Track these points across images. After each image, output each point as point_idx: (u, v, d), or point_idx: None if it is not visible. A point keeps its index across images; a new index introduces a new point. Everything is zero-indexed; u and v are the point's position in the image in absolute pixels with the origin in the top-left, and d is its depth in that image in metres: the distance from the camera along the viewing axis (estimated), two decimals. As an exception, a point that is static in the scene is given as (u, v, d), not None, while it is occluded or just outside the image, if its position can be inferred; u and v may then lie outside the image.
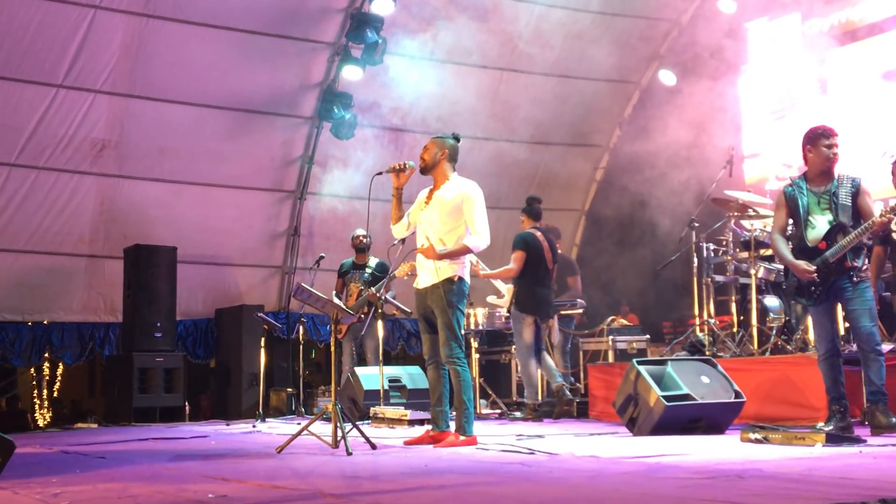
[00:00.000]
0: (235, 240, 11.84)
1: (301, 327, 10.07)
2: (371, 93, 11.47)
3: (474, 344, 9.64)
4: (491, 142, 12.70)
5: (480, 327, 9.50)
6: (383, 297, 8.42)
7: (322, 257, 9.86)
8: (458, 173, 6.13)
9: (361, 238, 9.44)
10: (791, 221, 5.99)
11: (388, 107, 11.61)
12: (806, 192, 5.86)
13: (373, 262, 9.41)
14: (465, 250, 5.95)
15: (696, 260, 8.56)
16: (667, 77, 12.06)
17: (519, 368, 8.61)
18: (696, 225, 8.68)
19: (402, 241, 6.46)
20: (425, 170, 6.08)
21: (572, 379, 9.67)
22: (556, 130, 12.90)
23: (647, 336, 9.76)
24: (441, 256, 5.88)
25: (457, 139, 6.18)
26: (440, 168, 6.05)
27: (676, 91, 11.58)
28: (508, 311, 8.69)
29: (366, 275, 9.30)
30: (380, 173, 6.08)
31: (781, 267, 8.19)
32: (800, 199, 5.84)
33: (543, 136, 12.89)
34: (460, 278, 5.95)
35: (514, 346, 10.28)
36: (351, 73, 11.15)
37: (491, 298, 9.43)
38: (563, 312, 9.52)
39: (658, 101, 11.93)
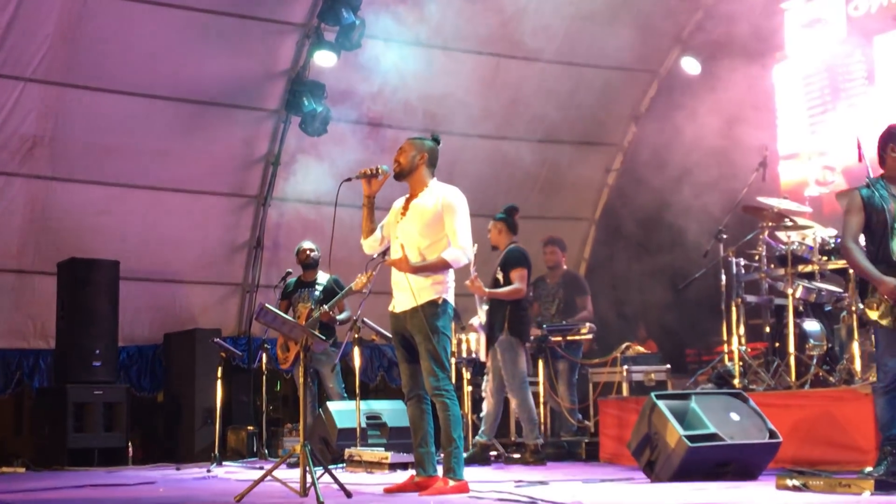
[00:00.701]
0: (188, 253, 11.81)
1: (264, 355, 10.04)
2: (347, 82, 11.48)
3: (466, 374, 9.62)
4: (486, 140, 12.70)
5: (474, 355, 9.49)
6: (359, 320, 8.40)
7: (289, 273, 9.86)
8: (438, 178, 6.17)
9: (308, 252, 9.56)
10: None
11: (367, 98, 11.61)
12: (888, 196, 5.86)
13: (322, 278, 9.46)
14: (443, 265, 5.95)
15: (724, 277, 8.58)
16: (690, 65, 12.11)
17: (515, 403, 8.62)
18: (725, 237, 8.70)
19: (384, 254, 6.46)
20: (401, 175, 6.12)
21: (580, 416, 9.66)
22: (561, 127, 12.91)
23: (668, 366, 9.77)
24: (416, 269, 5.88)
25: (437, 141, 6.22)
26: (418, 174, 6.10)
27: (701, 81, 11.61)
28: (488, 337, 8.67)
29: (315, 293, 9.33)
30: (348, 179, 6.12)
31: (823, 286, 8.26)
32: (885, 204, 5.81)
33: (547, 133, 12.91)
34: (445, 301, 5.95)
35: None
36: (323, 59, 11.15)
37: (474, 320, 9.43)
38: (569, 338, 9.52)
39: (680, 93, 11.95)
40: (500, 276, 8.56)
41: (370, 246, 6.26)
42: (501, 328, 8.44)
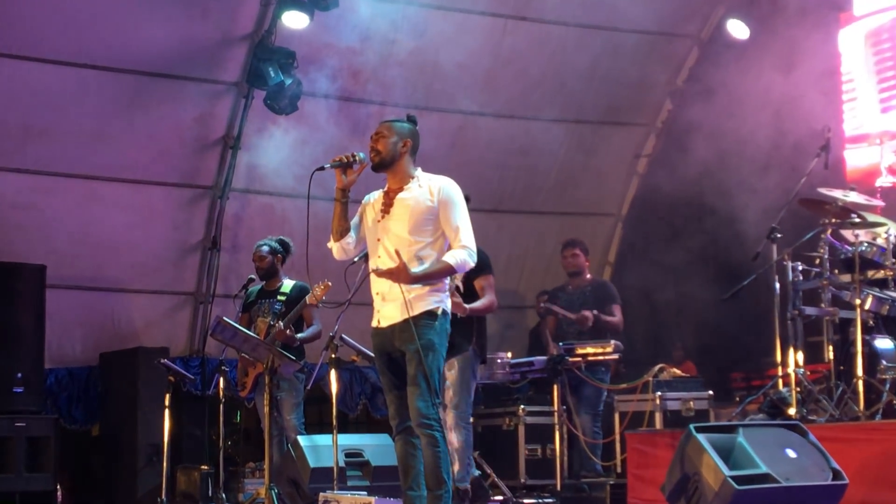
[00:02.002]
0: (129, 255, 11.80)
1: (221, 379, 10.01)
2: (322, 49, 11.47)
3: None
4: (490, 119, 12.71)
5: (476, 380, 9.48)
6: (338, 337, 8.39)
7: (251, 280, 9.84)
8: (427, 167, 6.21)
9: (265, 254, 9.46)
10: None
11: (346, 69, 11.60)
12: None
13: (287, 285, 9.40)
14: (447, 271, 6.00)
15: (778, 285, 8.56)
16: (737, 28, 12.08)
17: (456, 434, 8.39)
18: (779, 236, 8.68)
19: (366, 259, 6.46)
20: (381, 165, 6.15)
21: (601, 453, 9.65)
22: (582, 103, 12.91)
23: (710, 392, 9.76)
24: (417, 279, 5.89)
25: (414, 122, 6.27)
26: (401, 164, 6.14)
27: (750, 48, 11.61)
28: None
29: (277, 305, 9.29)
30: (321, 168, 6.15)
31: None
32: None
33: (564, 111, 12.90)
34: (444, 312, 5.98)
35: (520, 407, 10.29)
36: (293, 21, 11.12)
37: None
38: (591, 357, 9.51)
39: (725, 63, 11.96)
40: (457, 279, 8.43)
41: (343, 249, 6.26)
42: (468, 342, 8.38)
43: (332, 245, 6.26)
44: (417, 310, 5.95)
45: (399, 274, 5.91)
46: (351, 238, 6.22)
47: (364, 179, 6.28)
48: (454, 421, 8.18)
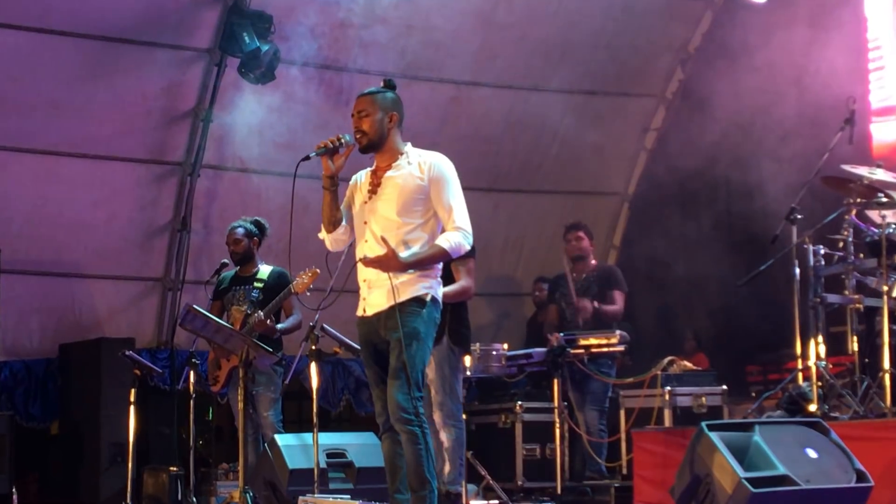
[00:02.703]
0: (91, 237, 11.81)
1: (192, 373, 10.02)
2: (301, 12, 11.44)
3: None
4: (485, 89, 12.71)
5: (469, 373, 9.49)
6: (318, 327, 8.40)
7: (225, 265, 9.83)
8: (416, 141, 6.22)
9: (239, 236, 9.43)
10: None
11: (327, 34, 11.58)
12: None
13: (264, 271, 9.39)
14: (441, 255, 6.01)
15: (797, 270, 8.58)
16: (754, -10, 12.09)
17: (445, 433, 8.40)
18: (799, 217, 8.69)
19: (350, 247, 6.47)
20: (370, 147, 6.16)
21: (605, 453, 9.68)
22: (584, 72, 12.92)
23: (724, 387, 9.77)
24: (408, 265, 5.91)
25: (393, 87, 6.25)
26: (390, 141, 6.16)
27: (769, 12, 11.60)
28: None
29: (254, 293, 9.28)
30: (307, 158, 6.13)
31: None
32: None
33: (565, 80, 12.92)
34: (433, 299, 6.00)
35: (517, 404, 10.31)
36: (270, -18, 11.14)
37: None
38: (595, 349, 9.53)
39: (741, 28, 11.95)
40: None
41: (337, 240, 6.27)
42: (441, 333, 8.36)
43: (325, 236, 6.26)
44: (404, 296, 5.96)
45: (388, 262, 5.92)
46: (342, 230, 6.23)
47: (351, 158, 6.27)
48: (441, 420, 8.18)
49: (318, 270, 8.33)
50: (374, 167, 6.22)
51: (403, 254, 5.94)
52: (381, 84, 6.26)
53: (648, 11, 12.71)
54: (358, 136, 6.11)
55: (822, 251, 8.59)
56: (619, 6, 12.54)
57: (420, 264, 5.98)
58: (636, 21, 12.69)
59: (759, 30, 11.28)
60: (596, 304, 9.78)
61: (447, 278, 8.10)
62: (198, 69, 11.74)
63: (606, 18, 12.61)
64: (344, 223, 6.23)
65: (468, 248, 6.09)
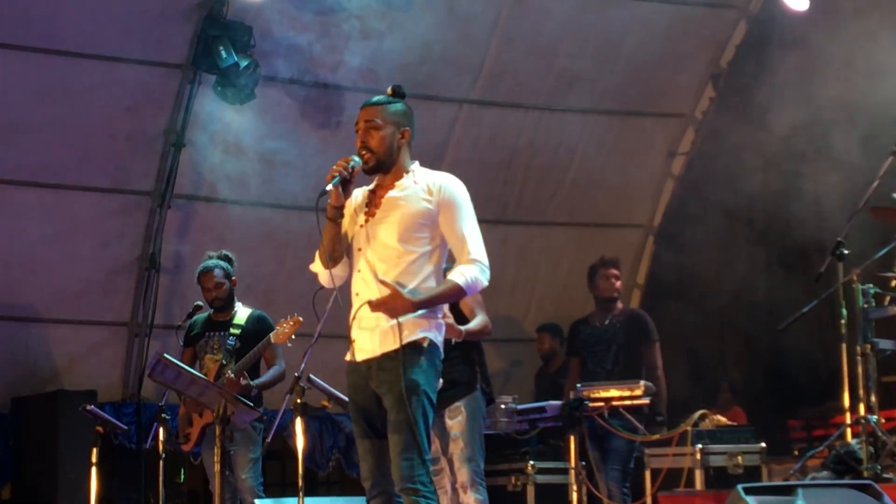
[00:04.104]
0: (48, 277, 11.81)
1: (161, 430, 10.00)
2: (284, 24, 11.47)
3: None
4: (491, 109, 12.74)
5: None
6: (303, 378, 8.39)
7: (198, 307, 9.83)
8: (421, 160, 6.13)
9: (215, 277, 9.40)
10: None
11: (314, 48, 11.60)
12: None
13: (242, 315, 9.36)
14: (456, 293, 5.90)
15: (845, 313, 8.57)
16: (794, -2, 12.13)
17: (475, 494, 8.38)
18: (846, 252, 8.69)
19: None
20: (379, 168, 6.01)
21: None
22: (604, 90, 12.95)
23: (763, 444, 9.76)
24: (420, 305, 5.81)
25: (402, 96, 6.14)
26: (400, 160, 6.04)
27: (810, 21, 11.64)
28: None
29: (230, 340, 9.25)
30: (323, 193, 5.89)
31: None
32: None
33: (582, 99, 12.94)
34: (432, 344, 5.89)
35: (529, 464, 10.29)
36: (250, -10, 11.20)
37: None
38: (617, 402, 9.51)
39: (779, 40, 11.99)
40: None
41: (336, 276, 6.07)
42: (472, 379, 8.34)
43: (319, 271, 6.06)
44: (401, 341, 5.82)
45: (395, 304, 5.78)
46: (344, 263, 6.07)
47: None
48: (469, 478, 8.14)
49: (300, 319, 8.32)
50: (373, 185, 6.11)
51: (410, 291, 5.80)
52: (389, 92, 6.16)
53: (674, 22, 12.71)
54: (364, 154, 5.94)
55: (873, 291, 8.58)
56: (642, 16, 12.54)
57: (434, 303, 5.87)
58: (661, 33, 12.69)
59: (799, 42, 11.30)
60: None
61: (456, 315, 8.12)
62: (169, 87, 11.75)
63: (627, 31, 12.61)
64: (345, 258, 6.08)
65: (485, 283, 5.95)
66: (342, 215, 5.99)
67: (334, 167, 5.91)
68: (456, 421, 8.15)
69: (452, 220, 5.93)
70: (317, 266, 6.11)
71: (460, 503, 8.15)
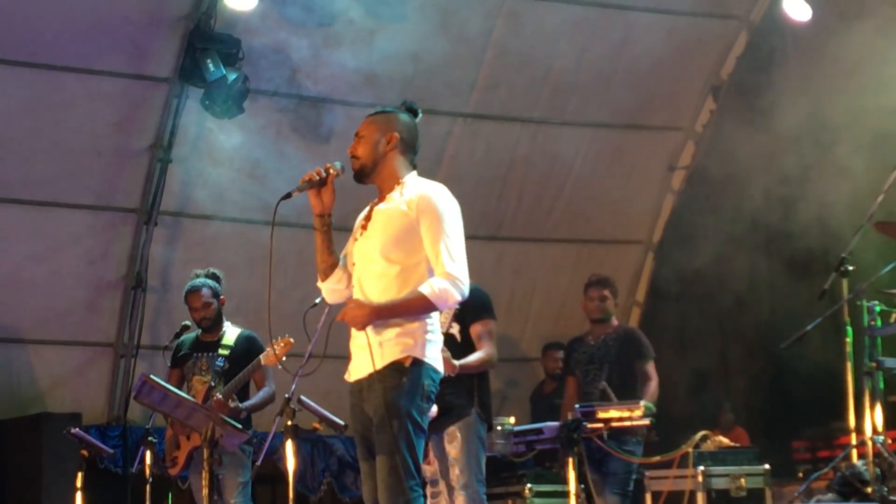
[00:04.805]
0: (29, 297, 11.79)
1: (148, 454, 9.96)
2: (274, 35, 11.47)
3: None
4: (486, 123, 12.73)
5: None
6: (294, 400, 8.33)
7: (186, 327, 9.80)
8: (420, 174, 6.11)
9: (203, 296, 9.37)
10: None
11: (304, 60, 11.60)
12: None
13: (231, 335, 9.33)
14: (422, 305, 5.86)
15: (850, 330, 8.53)
16: (795, 7, 12.10)
17: None
18: (850, 268, 8.66)
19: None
20: (362, 174, 6.05)
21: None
22: (601, 102, 12.96)
23: (766, 466, 9.73)
24: (377, 312, 5.81)
25: (413, 113, 6.18)
26: (388, 167, 6.05)
27: (813, 32, 11.64)
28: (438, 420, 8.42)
29: (219, 361, 9.21)
30: (288, 195, 5.98)
31: None
32: None
33: (579, 112, 12.95)
34: (417, 361, 5.86)
35: (526, 487, 10.23)
36: (239, 1, 11.16)
37: None
38: (616, 423, 9.45)
39: (781, 51, 11.98)
40: (453, 327, 8.36)
41: (333, 291, 6.14)
42: (469, 404, 8.32)
43: (321, 286, 6.16)
44: (383, 359, 5.83)
45: (355, 313, 5.82)
46: (339, 275, 6.10)
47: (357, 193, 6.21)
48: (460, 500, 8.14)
49: (291, 340, 8.28)
50: (375, 201, 6.14)
51: (378, 300, 5.83)
52: (402, 104, 6.23)
53: (673, 33, 12.73)
54: (352, 161, 6.02)
55: (878, 308, 8.56)
56: (640, 28, 12.57)
57: (393, 314, 5.82)
58: (659, 45, 12.69)
59: (803, 52, 11.29)
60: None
61: (469, 344, 8.14)
62: (155, 101, 11.73)
63: (625, 42, 12.64)
64: (340, 269, 6.10)
65: (458, 298, 5.91)
66: (327, 224, 6.04)
67: (307, 173, 5.99)
68: (452, 446, 8.14)
69: (429, 231, 5.90)
70: (320, 282, 6.18)
71: None
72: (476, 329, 8.16)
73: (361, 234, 6.03)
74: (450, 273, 5.85)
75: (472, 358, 8.05)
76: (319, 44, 11.50)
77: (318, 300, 6.58)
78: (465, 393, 8.18)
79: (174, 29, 11.46)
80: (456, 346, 8.08)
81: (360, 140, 6.06)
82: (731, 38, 13.19)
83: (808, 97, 10.86)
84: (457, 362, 7.83)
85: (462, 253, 5.93)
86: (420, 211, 5.89)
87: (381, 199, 6.06)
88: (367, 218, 6.05)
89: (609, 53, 12.63)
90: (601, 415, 9.47)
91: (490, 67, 12.40)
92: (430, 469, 8.33)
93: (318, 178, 5.96)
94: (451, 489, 8.23)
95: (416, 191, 5.97)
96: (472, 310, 8.19)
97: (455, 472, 8.11)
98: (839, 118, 10.72)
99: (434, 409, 7.74)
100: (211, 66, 11.14)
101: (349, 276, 6.12)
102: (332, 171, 5.98)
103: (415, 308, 5.86)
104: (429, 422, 7.76)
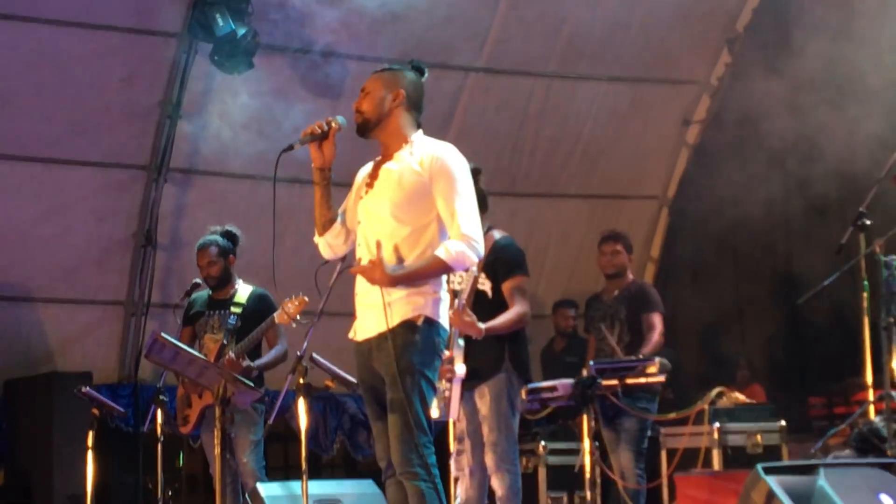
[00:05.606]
0: (40, 255, 11.83)
1: (160, 412, 10.00)
2: (283, -11, 11.47)
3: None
4: (499, 77, 12.73)
5: (437, 413, 9.44)
6: (306, 358, 8.38)
7: (197, 285, 9.82)
8: (426, 132, 6.12)
9: (212, 254, 9.37)
10: None
11: (314, 14, 11.56)
12: None
13: (243, 292, 9.32)
14: (439, 268, 5.91)
15: (867, 285, 8.55)
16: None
17: (498, 478, 8.38)
18: (868, 223, 8.66)
19: (342, 259, 6.43)
20: (365, 128, 6.07)
21: (644, 501, 9.64)
22: (614, 56, 12.93)
23: (782, 422, 9.76)
24: (396, 280, 5.86)
25: (419, 72, 6.20)
26: (392, 123, 6.06)
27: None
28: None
29: (231, 319, 9.22)
30: (289, 147, 6.05)
31: None
32: None
33: (592, 66, 12.94)
34: (428, 320, 5.91)
35: (541, 444, 10.27)
36: (247, -45, 11.17)
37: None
38: (630, 381, 9.48)
39: (797, 2, 11.94)
40: (485, 283, 8.34)
41: (331, 245, 6.19)
42: (499, 362, 8.33)
43: (318, 240, 6.21)
44: (394, 319, 5.86)
45: (373, 272, 5.85)
46: (337, 229, 6.14)
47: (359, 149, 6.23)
48: (494, 464, 8.14)
49: (306, 298, 8.30)
50: (378, 158, 6.15)
51: (393, 265, 5.87)
52: (408, 62, 6.24)
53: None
54: (356, 116, 6.05)
55: (897, 263, 8.58)
56: (654, -22, 12.54)
57: (412, 278, 5.87)
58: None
59: (817, 4, 11.24)
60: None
61: (500, 302, 8.15)
62: (164, 57, 11.74)
63: (637, -6, 12.60)
64: (338, 224, 6.15)
65: (475, 260, 5.97)
66: (327, 178, 6.08)
67: (309, 126, 6.04)
68: (482, 403, 8.16)
69: (443, 192, 5.94)
70: (316, 237, 6.22)
71: (491, 488, 8.16)
72: (508, 286, 8.13)
73: (367, 191, 6.05)
74: (465, 234, 5.89)
75: (501, 319, 8.02)
76: (328, -2, 11.51)
77: (325, 260, 6.61)
78: (492, 354, 8.18)
79: (182, -16, 11.47)
80: (487, 303, 8.08)
81: (366, 95, 6.08)
82: (746, -12, 13.17)
83: (825, 48, 10.81)
84: (482, 325, 7.86)
85: (476, 213, 5.98)
86: (433, 172, 5.92)
87: (388, 156, 6.07)
88: (373, 176, 6.07)
89: (623, 6, 12.55)
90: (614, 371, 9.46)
91: (503, 20, 12.37)
92: (459, 426, 8.39)
93: (319, 131, 6.03)
94: (478, 447, 8.28)
95: (427, 151, 5.99)
96: (504, 266, 8.20)
97: (485, 430, 8.15)
98: (858, 70, 10.69)
99: (461, 370, 7.82)
100: (220, 21, 11.12)
101: (347, 232, 6.17)
102: (333, 124, 6.04)
103: (433, 272, 5.92)
104: (460, 382, 7.90)
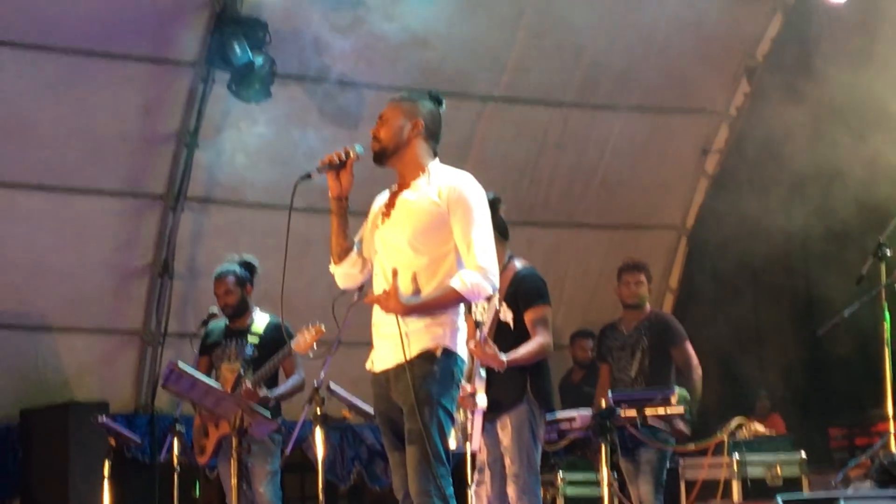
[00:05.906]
0: (56, 284, 11.83)
1: (176, 442, 10.01)
2: (301, 19, 11.48)
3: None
4: (518, 106, 12.75)
5: (458, 445, 9.41)
6: (323, 388, 8.37)
7: (213, 315, 9.83)
8: (443, 161, 6.11)
9: (229, 284, 9.37)
10: None
11: (331, 44, 11.58)
12: None
13: (260, 322, 9.32)
14: (453, 299, 5.90)
15: (888, 316, 8.53)
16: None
17: None
18: (889, 253, 8.65)
19: (360, 289, 6.42)
20: (382, 156, 6.06)
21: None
22: (633, 85, 12.93)
23: (802, 454, 9.73)
24: (410, 309, 5.85)
25: (437, 102, 6.18)
26: (410, 153, 6.05)
27: (851, 13, 11.58)
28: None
29: (248, 349, 9.21)
30: (307, 176, 6.04)
31: None
32: None
33: (610, 95, 12.93)
34: (447, 351, 5.90)
35: (559, 475, 10.23)
36: (266, -15, 11.21)
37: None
38: (649, 411, 9.45)
39: (818, 31, 11.93)
40: (506, 314, 8.33)
41: (347, 275, 6.16)
42: (520, 392, 8.31)
43: (334, 270, 6.19)
44: (412, 350, 5.84)
45: (388, 301, 5.84)
46: (354, 258, 6.12)
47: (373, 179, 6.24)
48: (516, 495, 8.09)
49: (322, 328, 8.29)
50: (394, 187, 6.14)
51: (408, 295, 5.85)
52: (427, 92, 6.22)
53: (707, 14, 12.63)
54: (373, 143, 6.04)
55: (919, 293, 8.56)
56: (673, 9, 12.45)
57: (426, 308, 5.86)
58: (693, 26, 12.61)
59: (840, 32, 11.24)
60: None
61: (520, 333, 8.10)
62: (181, 86, 11.77)
63: (658, 22, 12.57)
64: (355, 253, 6.12)
65: (489, 291, 5.93)
66: (343, 207, 6.06)
67: (327, 155, 6.03)
68: (504, 434, 8.13)
69: (460, 222, 5.92)
70: (332, 267, 6.20)
71: None
72: (529, 316, 8.08)
73: (383, 221, 6.04)
74: (481, 266, 5.87)
75: (522, 350, 7.96)
76: (347, 27, 11.49)
77: (349, 290, 6.60)
78: (513, 386, 8.15)
79: (200, 12, 11.49)
80: (509, 334, 8.03)
81: (384, 123, 6.06)
82: (765, 20, 13.14)
83: (845, 77, 10.81)
84: (504, 357, 7.84)
85: (492, 244, 5.96)
86: (451, 201, 5.91)
87: (404, 185, 6.06)
88: (390, 205, 6.05)
89: (642, 36, 12.58)
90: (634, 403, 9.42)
91: (521, 49, 12.39)
92: (480, 457, 8.37)
93: (338, 160, 6.02)
94: (498, 478, 8.24)
95: (445, 180, 5.98)
96: (525, 296, 8.18)
97: (507, 462, 8.12)
98: (879, 98, 10.68)
99: (483, 401, 7.80)
100: (238, 50, 11.16)
101: (364, 261, 6.14)
102: (351, 154, 6.03)
103: (447, 302, 5.90)
104: (482, 414, 7.87)
